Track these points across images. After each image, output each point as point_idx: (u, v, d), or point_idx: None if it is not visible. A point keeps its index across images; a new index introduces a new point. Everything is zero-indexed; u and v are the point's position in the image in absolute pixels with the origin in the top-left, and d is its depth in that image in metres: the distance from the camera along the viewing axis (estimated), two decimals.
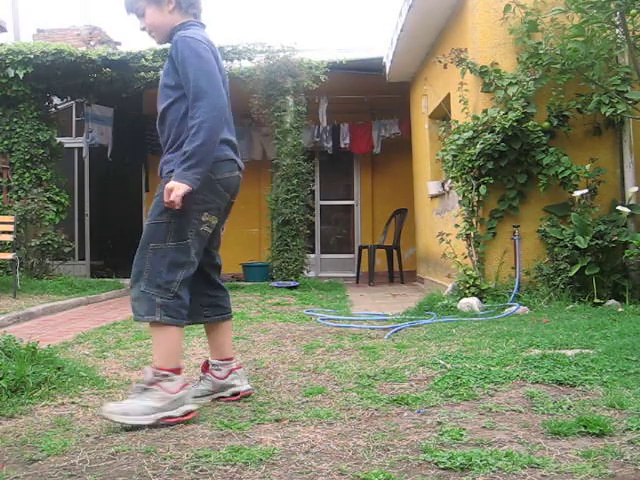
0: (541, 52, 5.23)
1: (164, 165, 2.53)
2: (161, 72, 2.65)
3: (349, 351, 3.68)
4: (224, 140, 2.51)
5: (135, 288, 2.44)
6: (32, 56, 8.16)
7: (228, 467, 1.87)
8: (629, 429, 2.09)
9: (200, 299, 2.65)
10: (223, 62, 2.65)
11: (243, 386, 2.67)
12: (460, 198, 5.52)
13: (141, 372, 2.68)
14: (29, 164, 8.53)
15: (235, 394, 2.65)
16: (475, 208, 5.44)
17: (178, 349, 2.48)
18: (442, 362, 3.12)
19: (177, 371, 2.41)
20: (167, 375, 2.36)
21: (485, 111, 5.33)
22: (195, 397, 2.56)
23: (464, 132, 5.38)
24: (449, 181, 6.14)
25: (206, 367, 2.71)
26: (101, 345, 4.07)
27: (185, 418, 2.33)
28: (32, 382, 2.75)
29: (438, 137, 6.47)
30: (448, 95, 6.45)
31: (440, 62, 5.94)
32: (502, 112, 5.16)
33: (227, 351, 2.74)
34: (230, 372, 2.67)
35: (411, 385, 2.81)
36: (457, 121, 5.65)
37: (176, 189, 2.32)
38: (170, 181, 2.35)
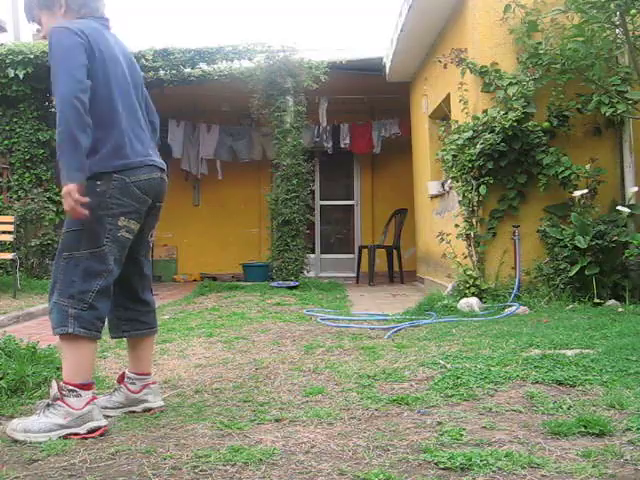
0: (541, 52, 5.23)
1: None
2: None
3: (349, 351, 3.68)
4: (129, 139, 2.40)
5: (50, 300, 2.33)
6: (32, 56, 8.14)
7: (228, 467, 1.87)
8: (629, 429, 2.09)
9: (118, 312, 2.55)
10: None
11: (156, 402, 2.58)
12: (460, 198, 5.52)
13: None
14: (29, 164, 8.51)
15: (147, 410, 2.55)
16: (475, 208, 5.44)
17: (89, 363, 2.34)
18: (442, 362, 3.12)
19: (86, 387, 2.28)
20: (74, 390, 2.25)
21: (485, 111, 5.33)
22: (106, 407, 2.49)
23: (464, 132, 5.38)
24: (449, 181, 6.14)
25: (122, 379, 2.61)
26: (101, 345, 4.06)
27: (90, 435, 2.21)
28: (32, 382, 2.76)
29: (438, 137, 6.47)
30: (448, 95, 6.45)
31: (440, 62, 5.94)
32: (502, 112, 5.16)
33: (144, 366, 2.64)
34: (144, 387, 2.58)
35: (411, 385, 2.81)
36: (457, 121, 5.65)
37: (66, 193, 2.19)
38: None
